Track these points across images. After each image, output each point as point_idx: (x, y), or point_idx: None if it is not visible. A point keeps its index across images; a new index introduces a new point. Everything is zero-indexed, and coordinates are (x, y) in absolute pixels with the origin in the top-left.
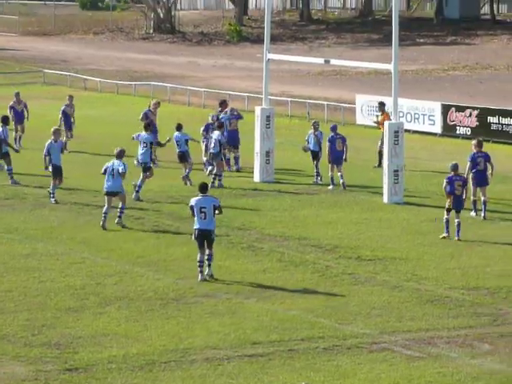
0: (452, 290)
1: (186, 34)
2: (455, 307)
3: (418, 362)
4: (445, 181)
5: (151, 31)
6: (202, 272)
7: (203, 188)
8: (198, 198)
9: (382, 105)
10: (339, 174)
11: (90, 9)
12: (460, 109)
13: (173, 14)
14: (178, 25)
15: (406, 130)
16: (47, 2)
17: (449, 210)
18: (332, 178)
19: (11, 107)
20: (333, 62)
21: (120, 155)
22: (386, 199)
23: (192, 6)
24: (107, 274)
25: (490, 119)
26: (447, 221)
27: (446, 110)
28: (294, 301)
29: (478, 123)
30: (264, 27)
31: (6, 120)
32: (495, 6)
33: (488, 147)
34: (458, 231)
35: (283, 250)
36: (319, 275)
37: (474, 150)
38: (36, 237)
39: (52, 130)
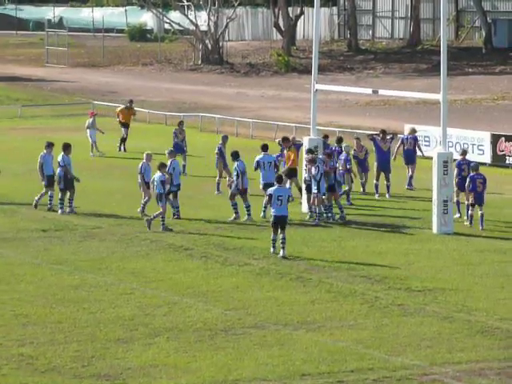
0: (502, 320)
1: (234, 64)
2: (506, 338)
3: None
4: (468, 179)
5: (199, 62)
6: (274, 247)
7: (280, 179)
8: (275, 187)
9: (286, 140)
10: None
11: (139, 40)
12: (510, 138)
13: (221, 45)
14: (226, 56)
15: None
16: (96, 34)
17: (472, 206)
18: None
19: (175, 134)
20: (381, 92)
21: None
22: (435, 230)
23: (240, 37)
24: (156, 304)
25: None
26: (471, 215)
27: (495, 139)
28: (343, 332)
29: None
30: (312, 57)
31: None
32: None
33: None
34: (482, 221)
35: (332, 280)
36: (368, 306)
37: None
38: (85, 268)
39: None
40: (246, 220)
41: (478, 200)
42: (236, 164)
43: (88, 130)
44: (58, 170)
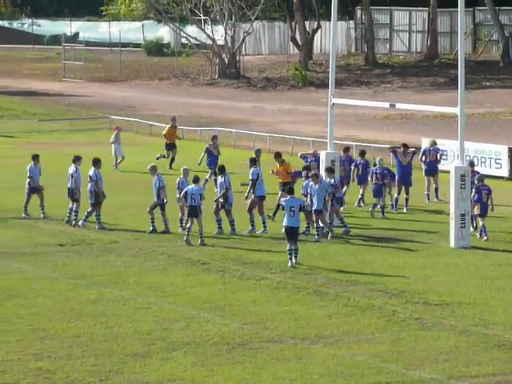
0: None
1: (250, 79)
2: None
3: None
4: (473, 190)
5: (216, 76)
6: (291, 259)
7: (291, 190)
8: (287, 198)
9: (278, 156)
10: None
11: (156, 55)
12: None
13: (238, 59)
14: (243, 70)
15: None
16: (113, 49)
17: (479, 216)
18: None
19: (207, 149)
20: (398, 106)
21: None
22: (452, 243)
23: (257, 51)
24: (174, 319)
25: None
26: (483, 226)
27: None
28: (360, 346)
29: None
30: (329, 71)
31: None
32: None
33: None
34: (485, 231)
35: (349, 294)
36: (386, 320)
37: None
38: (103, 282)
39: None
40: (217, 233)
41: (483, 210)
42: (223, 179)
43: (113, 145)
44: (88, 185)
